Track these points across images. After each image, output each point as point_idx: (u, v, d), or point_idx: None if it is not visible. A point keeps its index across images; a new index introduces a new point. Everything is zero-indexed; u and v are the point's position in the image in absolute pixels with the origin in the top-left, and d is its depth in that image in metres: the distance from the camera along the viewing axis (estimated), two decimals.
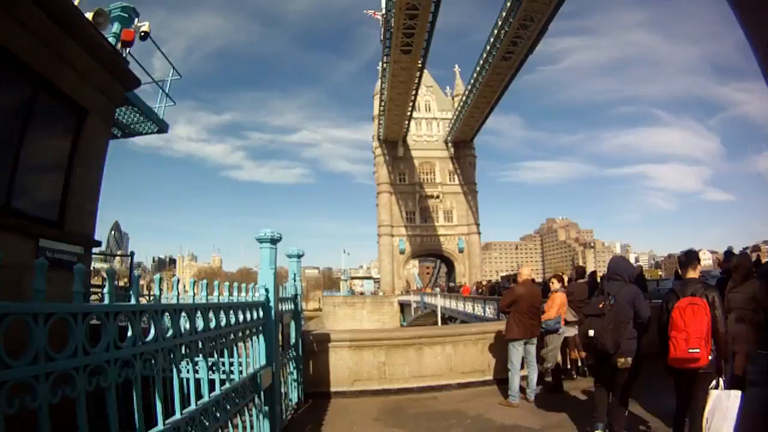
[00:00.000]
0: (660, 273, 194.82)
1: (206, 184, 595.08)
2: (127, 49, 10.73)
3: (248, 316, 6.51)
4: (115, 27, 10.55)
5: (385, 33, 67.70)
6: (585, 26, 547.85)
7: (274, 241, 8.63)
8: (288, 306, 9.78)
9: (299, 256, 10.82)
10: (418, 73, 76.13)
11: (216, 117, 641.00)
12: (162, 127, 13.51)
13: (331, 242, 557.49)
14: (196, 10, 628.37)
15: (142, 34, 11.64)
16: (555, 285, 11.35)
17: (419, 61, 71.98)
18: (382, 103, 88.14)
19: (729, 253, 15.36)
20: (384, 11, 65.14)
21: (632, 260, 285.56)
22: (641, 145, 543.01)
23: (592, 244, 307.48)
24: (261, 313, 7.23)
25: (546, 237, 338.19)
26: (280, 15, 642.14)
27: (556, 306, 10.76)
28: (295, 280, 10.77)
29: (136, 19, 11.38)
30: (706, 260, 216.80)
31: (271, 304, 7.73)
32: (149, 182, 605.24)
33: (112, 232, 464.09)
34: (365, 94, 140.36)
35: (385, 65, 74.19)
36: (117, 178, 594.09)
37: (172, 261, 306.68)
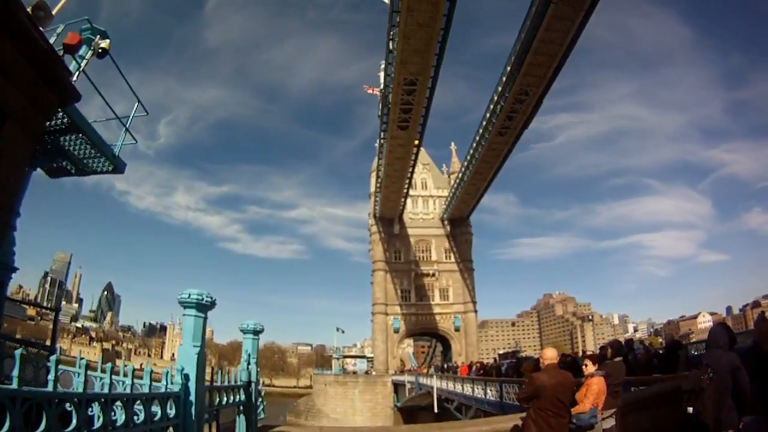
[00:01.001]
0: (660, 340, 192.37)
1: (202, 253, 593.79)
2: (76, 59, 9.70)
3: (155, 411, 5.04)
4: (60, 29, 9.39)
5: (382, 108, 68.13)
6: (576, 102, 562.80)
7: (202, 307, 7.35)
8: (234, 397, 8.43)
9: (257, 332, 9.37)
10: (414, 150, 75.95)
11: (215, 188, 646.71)
12: (117, 166, 11.81)
13: (324, 319, 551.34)
14: (203, 81, 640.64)
15: (100, 50, 10.49)
16: (589, 368, 9.27)
17: (416, 138, 71.86)
18: (379, 180, 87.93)
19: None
20: (382, 86, 65.90)
21: (630, 330, 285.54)
22: (634, 215, 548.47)
23: (590, 318, 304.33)
24: (173, 410, 5.85)
25: (543, 313, 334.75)
26: (282, 91, 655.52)
27: (593, 395, 8.58)
28: (249, 363, 9.22)
29: (98, 36, 10.33)
30: (706, 322, 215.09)
31: (193, 396, 6.33)
32: (145, 247, 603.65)
33: (105, 293, 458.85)
34: (362, 174, 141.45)
35: (382, 141, 74.30)
36: (113, 240, 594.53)
37: (163, 328, 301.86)
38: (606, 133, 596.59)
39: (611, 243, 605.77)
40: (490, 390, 30.99)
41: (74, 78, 9.41)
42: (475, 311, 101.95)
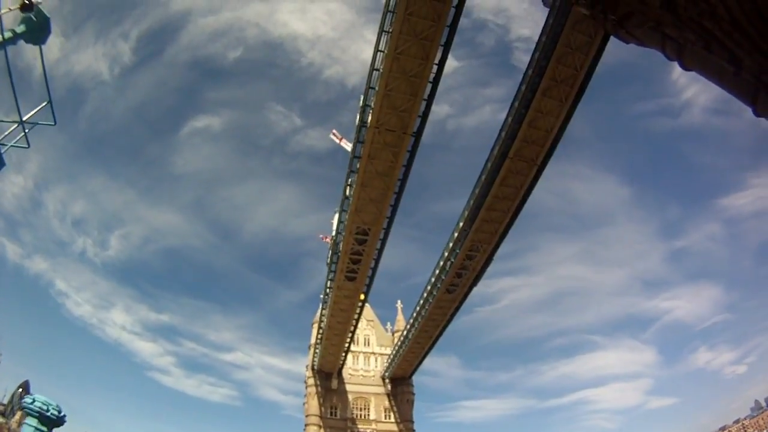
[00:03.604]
0: None
1: (130, 378, 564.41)
2: None
3: None
4: None
5: (332, 257, 66.82)
6: (521, 266, 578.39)
7: (46, 420, 5.49)
8: None
9: (48, 420, 6.95)
10: (360, 303, 73.97)
11: (154, 314, 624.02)
12: None
13: None
14: (162, 204, 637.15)
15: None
16: None
17: (363, 290, 70.29)
18: (321, 331, 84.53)
19: None
20: (334, 233, 65.16)
21: None
22: (579, 372, 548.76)
23: None
24: None
25: None
26: (236, 231, 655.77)
27: None
28: None
29: None
30: None
31: None
32: (73, 355, 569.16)
33: (19, 390, 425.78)
34: (303, 327, 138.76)
35: (328, 290, 72.17)
36: (41, 338, 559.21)
37: None
38: (549, 294, 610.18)
39: (557, 401, 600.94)
40: None
41: None
42: None
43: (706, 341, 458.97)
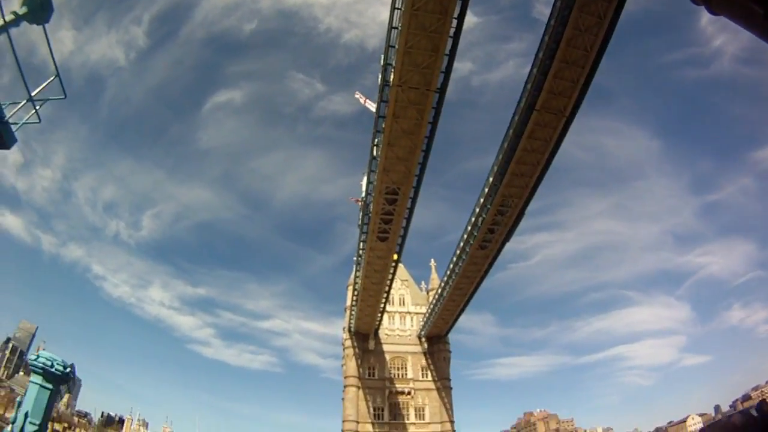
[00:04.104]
0: None
1: (170, 352, 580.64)
2: None
3: None
4: None
5: (363, 218, 66.93)
6: (553, 221, 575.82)
7: (51, 377, 5.42)
8: None
9: (52, 375, 6.83)
10: (393, 263, 74.46)
11: (191, 288, 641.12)
12: (4, 137, 10.23)
13: None
14: (191, 180, 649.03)
15: None
16: None
17: (395, 250, 70.63)
18: (356, 293, 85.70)
19: None
20: (364, 195, 65.19)
21: None
22: (614, 327, 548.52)
23: None
24: None
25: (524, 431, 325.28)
26: (266, 201, 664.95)
27: None
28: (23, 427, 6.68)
29: None
30: (695, 425, 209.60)
31: None
32: (114, 336, 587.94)
33: None
34: (339, 290, 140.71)
35: (361, 252, 72.67)
36: (82, 322, 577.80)
37: (121, 421, 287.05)
38: (582, 250, 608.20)
39: (591, 357, 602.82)
40: None
41: None
42: (453, 431, 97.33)
43: (740, 298, 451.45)
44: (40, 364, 5.34)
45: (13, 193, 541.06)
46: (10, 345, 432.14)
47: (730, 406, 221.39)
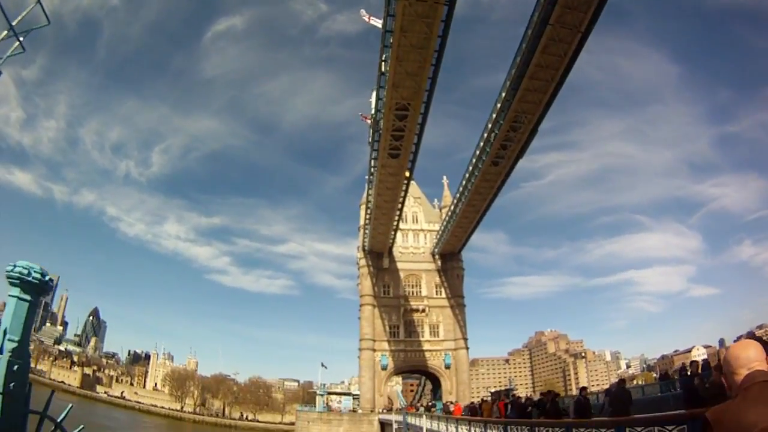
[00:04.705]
0: (654, 375, 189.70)
1: (190, 284, 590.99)
2: None
3: None
4: None
5: (373, 135, 66.39)
6: (566, 141, 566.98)
7: (28, 287, 5.10)
8: None
9: (29, 285, 6.36)
10: (405, 180, 74.31)
11: (206, 219, 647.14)
12: None
13: (312, 355, 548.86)
14: (197, 111, 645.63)
15: None
16: None
17: (407, 167, 70.33)
18: (369, 212, 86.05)
19: None
20: (373, 111, 64.11)
21: (623, 366, 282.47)
22: (625, 252, 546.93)
23: (582, 355, 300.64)
24: None
25: (535, 350, 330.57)
26: (275, 125, 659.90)
27: None
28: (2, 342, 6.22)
29: None
30: (700, 356, 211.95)
31: None
32: (134, 274, 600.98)
33: (90, 318, 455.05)
34: (352, 211, 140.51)
35: (372, 170, 72.33)
36: (102, 265, 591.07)
37: (147, 356, 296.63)
38: (595, 171, 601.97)
39: (602, 280, 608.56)
40: None
41: None
42: (467, 348, 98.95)
43: (751, 235, 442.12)
44: (17, 274, 4.97)
45: (19, 150, 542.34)
46: None
47: (735, 341, 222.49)
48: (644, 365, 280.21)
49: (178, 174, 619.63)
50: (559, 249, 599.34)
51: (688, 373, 24.60)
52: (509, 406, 28.97)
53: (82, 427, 7.28)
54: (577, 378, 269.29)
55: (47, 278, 5.58)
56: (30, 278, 5.36)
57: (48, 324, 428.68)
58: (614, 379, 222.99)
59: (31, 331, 5.52)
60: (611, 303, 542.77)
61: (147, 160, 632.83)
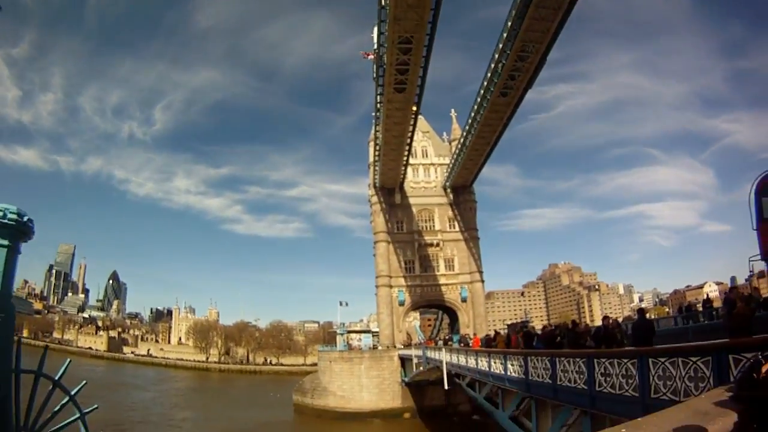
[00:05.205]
0: (667, 310, 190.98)
1: (205, 236, 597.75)
2: None
3: None
4: None
5: (377, 70, 65.17)
6: (575, 72, 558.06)
7: (6, 229, 5.11)
8: None
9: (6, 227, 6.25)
10: (413, 114, 73.70)
11: (214, 170, 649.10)
12: None
13: (330, 296, 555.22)
14: (196, 64, 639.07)
15: None
16: None
17: (414, 100, 69.45)
18: (378, 148, 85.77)
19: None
20: (376, 47, 63.05)
21: (636, 300, 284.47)
22: (637, 185, 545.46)
23: (596, 287, 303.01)
24: None
25: (549, 283, 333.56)
26: (276, 70, 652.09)
27: None
28: None
29: None
30: (713, 291, 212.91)
31: None
32: (149, 234, 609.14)
33: (110, 282, 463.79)
34: (361, 149, 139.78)
35: (378, 106, 71.49)
36: (116, 228, 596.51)
37: (169, 312, 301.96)
38: (606, 103, 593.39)
39: (614, 213, 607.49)
40: (512, 365, 27.66)
41: None
42: (482, 281, 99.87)
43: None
44: None
45: (19, 128, 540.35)
46: (54, 271, 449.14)
47: (746, 280, 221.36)
48: (657, 299, 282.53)
49: (182, 129, 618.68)
50: (571, 181, 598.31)
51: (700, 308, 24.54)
52: (535, 338, 29.08)
53: (84, 383, 7.03)
54: (591, 310, 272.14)
55: (25, 219, 5.54)
56: (6, 220, 5.32)
57: (70, 294, 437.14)
58: (627, 313, 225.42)
59: (13, 280, 5.51)
60: (624, 236, 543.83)
61: (150, 118, 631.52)
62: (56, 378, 6.49)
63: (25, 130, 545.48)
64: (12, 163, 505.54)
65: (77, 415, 6.56)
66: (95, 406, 7.14)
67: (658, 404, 13.46)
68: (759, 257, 18.09)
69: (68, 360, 7.33)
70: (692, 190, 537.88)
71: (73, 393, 6.52)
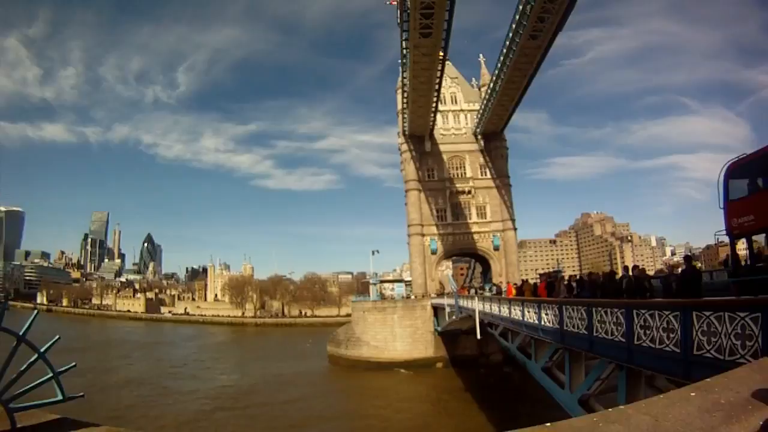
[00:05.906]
0: (699, 265, 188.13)
1: (236, 193, 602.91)
2: None
3: None
4: None
5: (401, 15, 63.40)
6: (606, 16, 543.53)
7: None
8: None
9: None
10: (440, 60, 72.19)
11: (242, 127, 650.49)
12: None
13: (363, 247, 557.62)
14: (215, 23, 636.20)
15: None
16: None
17: (441, 45, 67.78)
18: (406, 96, 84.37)
19: None
20: None
21: (668, 253, 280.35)
22: (670, 135, 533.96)
23: (629, 238, 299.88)
24: None
25: (581, 233, 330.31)
26: (297, 22, 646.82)
27: None
28: None
29: None
30: (745, 249, 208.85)
31: None
32: (180, 195, 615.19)
33: (145, 245, 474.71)
34: (389, 98, 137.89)
35: (405, 52, 69.88)
36: (148, 192, 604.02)
37: (205, 270, 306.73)
38: (638, 49, 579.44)
39: (647, 163, 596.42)
40: (546, 314, 26.77)
41: None
42: (514, 229, 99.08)
43: None
44: None
45: (43, 105, 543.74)
46: (89, 239, 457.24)
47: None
48: (689, 253, 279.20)
49: (206, 89, 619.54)
50: (603, 129, 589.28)
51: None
52: (575, 285, 28.06)
53: (57, 337, 6.70)
54: (623, 261, 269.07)
55: None
56: None
57: (106, 260, 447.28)
58: (660, 265, 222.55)
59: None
60: (656, 187, 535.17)
61: (173, 81, 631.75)
62: (21, 333, 6.02)
63: (49, 107, 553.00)
64: (39, 139, 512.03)
65: (50, 374, 6.20)
66: (73, 364, 6.75)
67: (701, 362, 13.00)
68: (724, 232, 20.89)
69: (35, 312, 7.55)
70: (727, 142, 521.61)
71: (42, 350, 6.19)
